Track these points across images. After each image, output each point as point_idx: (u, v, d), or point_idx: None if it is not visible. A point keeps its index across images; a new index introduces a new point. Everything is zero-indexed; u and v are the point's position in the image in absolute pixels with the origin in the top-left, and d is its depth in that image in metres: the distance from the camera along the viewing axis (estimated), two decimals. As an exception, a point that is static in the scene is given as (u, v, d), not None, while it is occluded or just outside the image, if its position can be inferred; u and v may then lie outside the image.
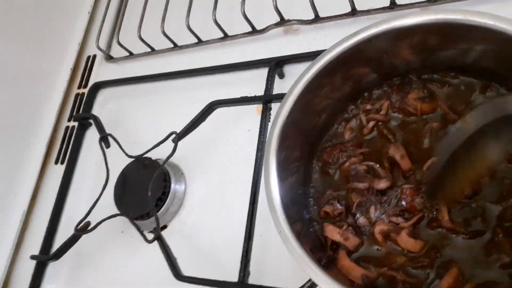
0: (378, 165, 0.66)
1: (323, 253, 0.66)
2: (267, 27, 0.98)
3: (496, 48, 0.59)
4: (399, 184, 0.65)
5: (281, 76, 0.95)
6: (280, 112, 0.63)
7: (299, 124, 0.67)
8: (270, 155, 0.61)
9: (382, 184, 0.65)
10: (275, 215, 0.59)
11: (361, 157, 0.70)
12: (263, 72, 0.95)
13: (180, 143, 0.91)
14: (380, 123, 0.71)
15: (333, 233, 0.66)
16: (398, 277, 0.60)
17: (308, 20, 0.95)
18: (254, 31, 0.99)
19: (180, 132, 0.90)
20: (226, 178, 0.95)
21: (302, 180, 0.72)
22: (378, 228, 0.63)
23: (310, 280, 0.65)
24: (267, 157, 0.62)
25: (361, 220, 0.65)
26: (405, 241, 0.61)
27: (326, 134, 0.75)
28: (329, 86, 0.68)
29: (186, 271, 0.84)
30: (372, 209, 0.65)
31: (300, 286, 0.69)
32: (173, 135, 0.90)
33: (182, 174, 0.99)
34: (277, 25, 0.97)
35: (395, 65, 0.69)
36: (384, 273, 0.62)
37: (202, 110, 0.90)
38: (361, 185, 0.66)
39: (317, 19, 0.94)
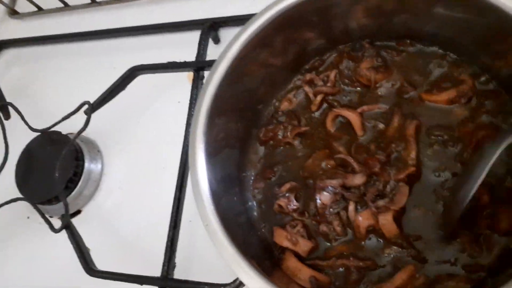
0: (352, 159, 0.57)
1: (266, 254, 0.57)
2: (201, -17, 0.86)
3: (461, 17, 0.52)
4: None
5: (216, 41, 0.84)
6: (210, 80, 0.52)
7: (233, 96, 0.57)
8: (197, 133, 0.51)
9: (357, 180, 0.56)
10: (201, 204, 0.48)
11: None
12: (195, 35, 0.83)
13: (97, 116, 0.78)
14: (329, 96, 0.62)
15: (281, 239, 0.57)
16: (349, 263, 0.54)
17: (248, -22, 0.83)
18: (186, -13, 0.87)
19: (94, 102, 0.77)
20: (150, 156, 0.83)
21: (239, 163, 0.62)
22: (364, 223, 0.55)
23: (237, 279, 0.56)
24: (193, 135, 0.51)
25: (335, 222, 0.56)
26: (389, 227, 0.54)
27: (266, 109, 0.65)
28: (269, 52, 0.58)
29: (101, 264, 0.72)
30: (351, 205, 0.56)
31: (229, 282, 0.59)
32: (86, 106, 0.76)
33: (98, 151, 0.86)
34: (211, -19, 0.85)
35: (346, 30, 0.60)
36: (333, 264, 0.55)
37: (122, 76, 0.77)
38: (335, 182, 0.56)
39: (257, -23, 0.83)
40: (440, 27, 0.57)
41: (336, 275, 0.55)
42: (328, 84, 0.61)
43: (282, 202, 0.59)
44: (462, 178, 0.53)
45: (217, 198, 0.49)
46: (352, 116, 0.59)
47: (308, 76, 0.65)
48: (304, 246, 0.56)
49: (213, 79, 0.52)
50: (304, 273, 0.54)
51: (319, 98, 0.62)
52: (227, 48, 0.54)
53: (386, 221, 0.53)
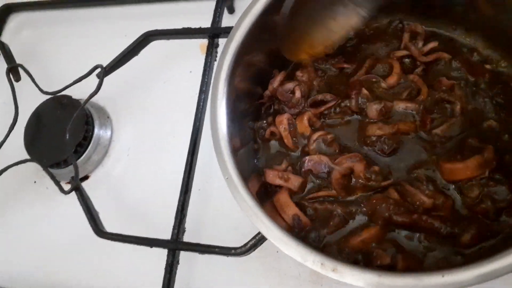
0: None
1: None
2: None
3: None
4: None
5: (231, 10, 0.83)
6: (235, 33, 0.51)
7: (253, 56, 0.56)
8: (219, 89, 0.51)
9: None
10: (221, 158, 0.48)
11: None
12: (210, 4, 0.82)
13: (108, 82, 0.77)
14: None
15: (273, 178, 0.59)
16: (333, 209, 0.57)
17: None
18: (203, -45, 0.85)
19: (107, 66, 0.76)
20: (160, 125, 0.83)
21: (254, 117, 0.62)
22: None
23: (255, 237, 0.56)
24: (215, 91, 0.51)
25: None
26: None
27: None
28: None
29: (110, 227, 0.72)
30: None
31: (243, 243, 0.59)
32: (98, 69, 0.76)
33: (108, 117, 0.85)
34: (231, -51, 0.84)
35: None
36: (317, 207, 0.58)
37: (135, 41, 0.77)
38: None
39: None
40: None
41: (319, 217, 0.58)
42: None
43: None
44: None
45: (236, 151, 0.49)
46: None
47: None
48: (295, 181, 0.58)
49: (236, 36, 0.52)
50: (291, 209, 0.56)
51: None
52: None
53: None
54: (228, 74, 0.51)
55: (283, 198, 0.57)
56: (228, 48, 0.51)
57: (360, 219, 0.57)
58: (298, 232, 0.55)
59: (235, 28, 0.54)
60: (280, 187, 0.59)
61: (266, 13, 0.56)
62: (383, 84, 0.61)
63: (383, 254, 0.52)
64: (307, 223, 0.56)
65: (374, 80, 0.62)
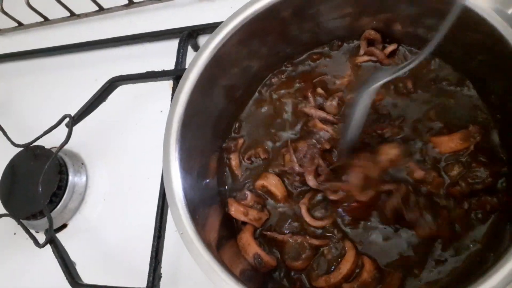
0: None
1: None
2: (178, -8, 0.86)
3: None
4: None
5: (196, 48, 0.84)
6: (182, 88, 0.52)
7: (206, 106, 0.56)
8: (170, 144, 0.51)
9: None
10: (176, 212, 0.48)
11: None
12: (174, 44, 0.82)
13: (79, 129, 0.77)
14: None
15: (237, 213, 0.59)
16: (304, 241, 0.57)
17: (224, -15, 0.83)
18: (164, -3, 0.87)
19: (75, 114, 0.76)
20: (134, 167, 0.82)
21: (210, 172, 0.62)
22: None
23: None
24: (166, 147, 0.51)
25: None
26: None
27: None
28: (245, 53, 0.58)
29: (86, 278, 0.71)
30: None
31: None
32: (67, 119, 0.76)
33: (82, 163, 0.85)
34: (189, -10, 0.85)
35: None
36: (287, 240, 0.58)
37: (101, 88, 0.77)
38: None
39: (234, -16, 0.83)
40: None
41: (289, 250, 0.57)
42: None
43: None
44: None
45: (192, 204, 0.49)
46: None
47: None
48: (254, 215, 0.59)
49: (185, 86, 0.52)
50: (252, 249, 0.56)
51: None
52: (197, 55, 0.54)
53: None
54: (179, 127, 0.52)
55: (245, 237, 0.57)
56: (177, 103, 0.51)
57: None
58: (264, 273, 0.54)
59: (182, 80, 0.54)
60: (244, 223, 0.59)
61: (220, 52, 0.56)
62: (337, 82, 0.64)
63: None
64: (269, 261, 0.56)
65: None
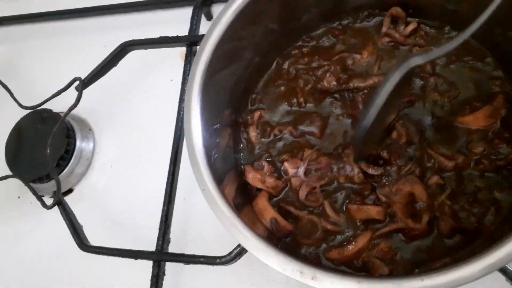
0: None
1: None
2: (192, -41, 0.84)
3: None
4: None
5: (209, 17, 0.83)
6: (205, 45, 0.51)
7: (226, 66, 0.56)
8: (192, 97, 0.50)
9: None
10: (197, 169, 0.48)
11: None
12: (187, 12, 0.81)
13: (88, 94, 0.76)
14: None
15: (253, 180, 0.59)
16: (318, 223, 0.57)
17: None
18: (178, -37, 0.85)
19: (86, 78, 0.75)
20: (142, 134, 0.82)
21: (232, 130, 0.62)
22: None
23: (239, 245, 0.56)
24: (188, 102, 0.50)
25: None
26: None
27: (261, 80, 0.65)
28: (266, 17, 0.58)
29: (94, 240, 0.71)
30: None
31: (228, 252, 0.59)
32: (77, 82, 0.75)
33: (90, 129, 0.85)
34: (204, -44, 0.84)
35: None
36: (303, 216, 0.58)
37: (113, 52, 0.76)
38: None
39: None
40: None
41: (302, 227, 0.58)
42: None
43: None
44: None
45: (212, 162, 0.49)
46: None
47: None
48: (271, 182, 0.59)
49: (207, 44, 0.51)
50: (268, 213, 0.56)
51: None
52: (220, 15, 0.53)
53: None
54: (201, 84, 0.51)
55: (261, 202, 0.57)
56: (200, 57, 0.51)
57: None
58: (279, 237, 0.54)
59: (206, 36, 0.54)
60: (259, 189, 0.59)
61: (238, 19, 0.56)
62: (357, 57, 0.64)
63: (382, 265, 0.52)
64: (286, 226, 0.56)
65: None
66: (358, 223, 0.57)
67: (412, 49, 0.63)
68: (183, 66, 0.77)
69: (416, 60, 0.48)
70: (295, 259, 0.43)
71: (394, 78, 0.48)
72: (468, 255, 0.42)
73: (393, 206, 0.54)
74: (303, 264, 0.42)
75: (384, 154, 0.57)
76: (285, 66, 0.68)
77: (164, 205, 0.69)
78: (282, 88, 0.67)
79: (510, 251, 0.41)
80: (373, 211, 0.55)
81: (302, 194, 0.59)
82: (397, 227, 0.54)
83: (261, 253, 0.44)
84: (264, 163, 0.62)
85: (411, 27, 0.64)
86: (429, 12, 0.62)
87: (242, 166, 0.63)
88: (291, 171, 0.60)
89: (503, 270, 0.45)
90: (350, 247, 0.54)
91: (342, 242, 0.56)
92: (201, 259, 0.63)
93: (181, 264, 0.68)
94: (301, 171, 0.60)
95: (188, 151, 0.50)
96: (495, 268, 0.39)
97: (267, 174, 0.61)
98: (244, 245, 0.45)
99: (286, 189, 0.61)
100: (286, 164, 0.61)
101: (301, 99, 0.66)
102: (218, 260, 0.60)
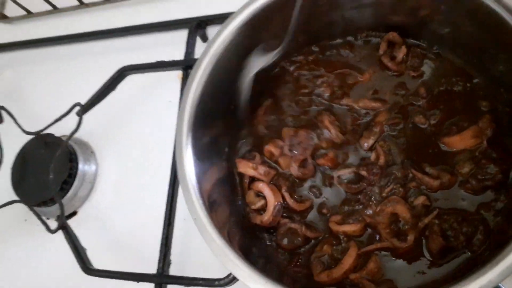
0: None
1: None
2: (186, -18, 0.86)
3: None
4: None
5: (204, 39, 0.85)
6: (195, 76, 0.53)
7: (218, 91, 0.57)
8: (183, 129, 0.52)
9: None
10: (189, 198, 0.49)
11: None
12: (183, 34, 0.83)
13: (89, 117, 0.79)
14: None
15: (246, 168, 0.62)
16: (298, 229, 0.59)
17: (233, -25, 0.84)
18: (173, -13, 0.87)
19: (86, 103, 0.77)
20: (143, 155, 0.84)
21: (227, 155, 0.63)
22: None
23: (230, 274, 0.57)
24: (179, 132, 0.52)
25: None
26: None
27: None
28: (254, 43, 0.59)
29: (97, 264, 0.73)
30: None
31: (223, 277, 0.60)
32: (77, 107, 0.77)
33: (92, 152, 0.87)
34: (198, -20, 0.86)
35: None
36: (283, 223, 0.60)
37: (111, 77, 0.78)
38: None
39: (243, -26, 0.83)
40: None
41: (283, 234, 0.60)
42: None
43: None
44: None
45: (205, 190, 0.50)
46: None
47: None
48: (264, 169, 0.62)
49: (197, 74, 0.53)
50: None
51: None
52: (211, 42, 0.55)
53: None
54: (191, 114, 0.52)
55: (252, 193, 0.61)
56: (190, 88, 0.52)
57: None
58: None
59: (195, 67, 0.55)
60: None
61: (232, 41, 0.58)
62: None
63: (371, 286, 0.53)
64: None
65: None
66: (341, 236, 0.58)
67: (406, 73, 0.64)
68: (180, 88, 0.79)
69: None
70: (285, 288, 0.44)
71: None
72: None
73: (378, 226, 0.55)
74: (293, 292, 0.43)
75: (363, 172, 0.58)
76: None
77: (164, 228, 0.71)
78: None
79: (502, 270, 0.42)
80: (350, 230, 0.57)
81: (294, 169, 0.62)
82: (382, 246, 0.55)
83: (251, 281, 0.45)
84: (256, 154, 0.64)
85: (401, 55, 0.64)
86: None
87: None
88: (275, 151, 0.63)
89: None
90: (338, 269, 0.55)
91: (330, 263, 0.56)
92: (201, 282, 0.64)
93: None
94: (286, 148, 0.63)
95: (180, 181, 0.51)
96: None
97: (259, 163, 0.63)
98: (234, 273, 0.46)
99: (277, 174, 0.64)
100: (267, 147, 0.64)
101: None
102: (216, 283, 0.62)
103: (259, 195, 0.62)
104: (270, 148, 0.63)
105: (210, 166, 0.55)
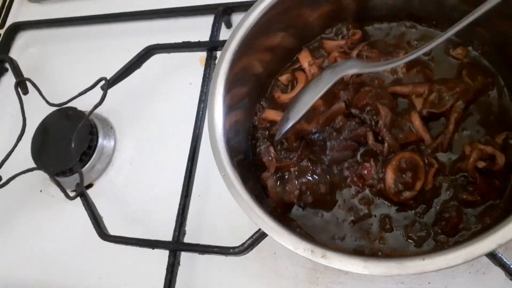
0: None
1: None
2: (214, -29, 0.90)
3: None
4: None
5: (229, 25, 0.88)
6: (229, 44, 0.56)
7: (248, 60, 0.61)
8: (216, 90, 0.55)
9: None
10: (218, 156, 0.52)
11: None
12: (209, 19, 0.86)
13: (111, 94, 0.81)
14: None
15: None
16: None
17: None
18: (200, -25, 0.91)
19: (111, 78, 0.80)
20: (161, 134, 0.86)
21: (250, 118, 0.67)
22: None
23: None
24: (212, 92, 0.55)
25: None
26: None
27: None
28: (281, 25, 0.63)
29: (113, 231, 0.75)
30: None
31: (237, 245, 0.62)
32: (103, 82, 0.80)
33: (111, 128, 0.89)
34: (225, -32, 0.89)
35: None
36: None
37: (138, 54, 0.81)
38: None
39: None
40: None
41: None
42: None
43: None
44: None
45: (232, 149, 0.53)
46: None
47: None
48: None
49: (232, 42, 0.56)
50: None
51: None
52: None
53: None
54: (225, 75, 0.56)
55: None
56: (224, 55, 0.55)
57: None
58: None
59: (229, 39, 0.58)
60: None
61: (258, 25, 0.60)
62: None
63: None
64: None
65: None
66: None
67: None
68: (202, 70, 0.82)
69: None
70: (306, 240, 0.46)
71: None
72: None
73: None
74: (314, 244, 0.45)
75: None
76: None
77: (181, 199, 0.73)
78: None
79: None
80: None
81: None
82: None
83: (275, 233, 0.47)
84: (320, 55, 0.69)
85: (357, 36, 0.67)
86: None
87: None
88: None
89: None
90: None
91: None
92: (215, 249, 0.66)
93: (195, 256, 0.72)
94: (354, 52, 0.65)
95: (210, 139, 0.54)
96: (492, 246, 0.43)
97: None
98: (260, 226, 0.48)
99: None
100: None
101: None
102: (231, 250, 0.64)
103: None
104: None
105: (236, 126, 0.58)
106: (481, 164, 0.57)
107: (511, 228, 0.42)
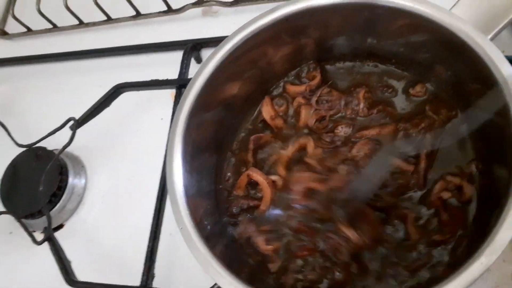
0: None
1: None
2: (183, 7, 0.90)
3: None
4: None
5: (199, 60, 0.88)
6: (189, 92, 0.55)
7: (210, 109, 0.60)
8: (175, 141, 0.54)
9: None
10: (176, 208, 0.51)
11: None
12: (178, 55, 0.86)
13: (82, 132, 0.80)
14: None
15: (266, 112, 0.66)
16: None
17: (228, 2, 0.88)
18: (170, 11, 0.91)
19: (80, 118, 0.79)
20: (133, 171, 0.85)
21: (214, 172, 0.65)
22: None
23: (215, 284, 0.58)
24: (171, 143, 0.54)
25: None
26: None
27: (244, 121, 0.69)
28: (245, 68, 0.62)
29: (82, 276, 0.73)
30: None
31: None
32: (71, 122, 0.79)
33: (82, 166, 0.88)
34: (194, 5, 0.89)
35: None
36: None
37: (106, 93, 0.80)
38: None
39: (238, 1, 0.87)
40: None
41: None
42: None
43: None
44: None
45: (193, 202, 0.52)
46: None
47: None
48: (280, 123, 0.68)
49: (192, 90, 0.55)
50: None
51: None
52: (204, 63, 0.58)
53: None
54: (184, 127, 0.55)
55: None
56: (184, 102, 0.55)
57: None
58: None
59: (191, 81, 0.58)
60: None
61: (227, 62, 0.60)
62: None
63: None
64: None
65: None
66: None
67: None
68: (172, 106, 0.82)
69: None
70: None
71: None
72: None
73: None
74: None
75: None
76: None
77: (149, 241, 0.71)
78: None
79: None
80: None
81: (311, 121, 0.65)
82: None
83: (233, 288, 0.46)
84: (284, 102, 0.67)
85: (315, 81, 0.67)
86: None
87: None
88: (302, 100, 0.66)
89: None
90: None
91: None
92: (183, 295, 0.65)
93: (165, 300, 0.70)
94: (313, 99, 0.65)
95: (168, 191, 0.53)
96: None
97: (281, 114, 0.67)
98: (217, 281, 0.47)
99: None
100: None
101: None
102: (200, 297, 0.63)
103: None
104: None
105: (198, 179, 0.57)
106: (446, 195, 0.57)
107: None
